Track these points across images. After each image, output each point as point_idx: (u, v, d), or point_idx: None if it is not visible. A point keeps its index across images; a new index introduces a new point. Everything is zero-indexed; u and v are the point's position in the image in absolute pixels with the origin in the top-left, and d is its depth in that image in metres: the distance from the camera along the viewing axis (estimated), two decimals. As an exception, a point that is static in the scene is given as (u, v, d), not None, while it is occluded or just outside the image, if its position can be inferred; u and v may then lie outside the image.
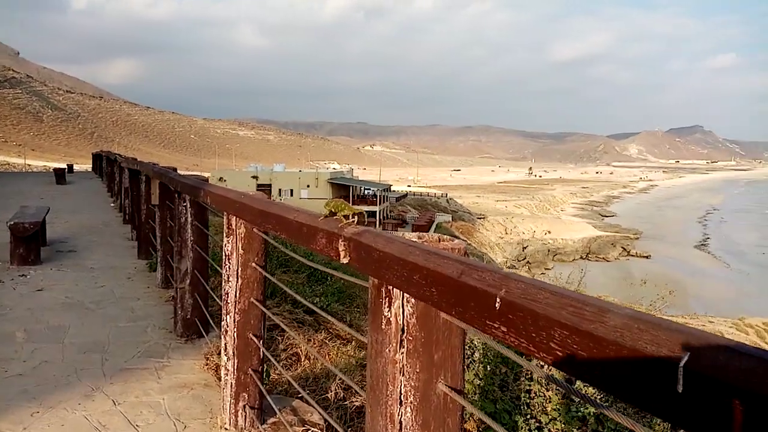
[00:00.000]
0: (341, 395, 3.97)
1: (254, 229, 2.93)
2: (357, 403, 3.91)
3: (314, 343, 5.18)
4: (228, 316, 3.03)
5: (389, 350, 1.40)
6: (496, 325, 0.85)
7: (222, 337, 3.11)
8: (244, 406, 3.05)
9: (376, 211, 61.60)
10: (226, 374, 3.06)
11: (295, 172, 70.31)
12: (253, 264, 2.98)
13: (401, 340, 1.39)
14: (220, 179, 58.35)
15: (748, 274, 59.01)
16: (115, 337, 4.49)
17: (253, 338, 3.00)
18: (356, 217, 1.63)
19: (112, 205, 13.40)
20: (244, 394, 3.03)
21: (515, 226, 75.91)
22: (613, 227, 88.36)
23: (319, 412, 3.21)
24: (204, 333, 4.47)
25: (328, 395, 3.90)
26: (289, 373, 4.15)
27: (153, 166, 6.58)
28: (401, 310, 1.39)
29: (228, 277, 3.03)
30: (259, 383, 3.02)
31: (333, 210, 1.69)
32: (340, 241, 1.50)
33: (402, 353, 1.39)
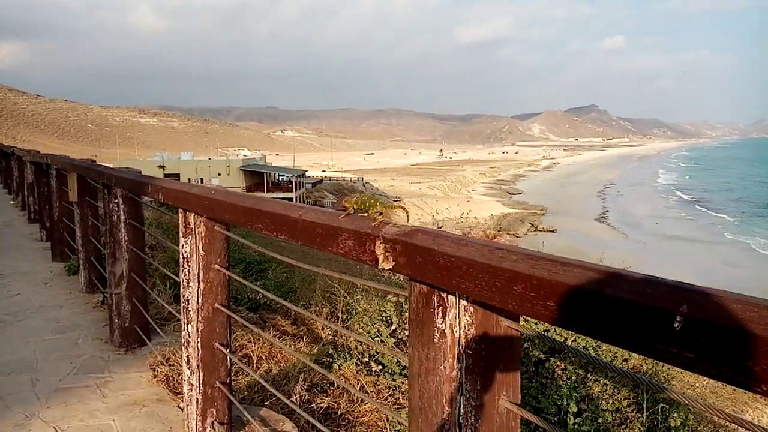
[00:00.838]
0: (306, 397, 3.77)
1: (215, 227, 2.65)
2: (324, 405, 3.73)
3: (264, 343, 4.92)
4: (189, 326, 2.74)
5: (444, 367, 1.24)
6: (674, 350, 0.71)
7: (183, 348, 2.81)
8: (213, 423, 2.78)
9: (292, 198, 60.77)
10: (190, 389, 2.77)
11: (205, 160, 67.76)
12: (216, 266, 2.71)
13: (458, 355, 1.23)
14: (124, 170, 54.88)
15: (644, 243, 63.42)
16: (43, 352, 4.01)
17: (220, 348, 2.73)
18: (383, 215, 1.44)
19: (12, 203, 12.17)
20: (212, 409, 2.76)
21: (430, 208, 77.39)
22: (520, 204, 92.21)
23: (307, 419, 3.01)
24: (146, 341, 4.09)
25: (294, 398, 3.68)
26: (247, 379, 3.89)
27: (70, 159, 5.96)
28: (458, 320, 1.23)
29: (188, 282, 2.74)
30: (229, 396, 2.76)
31: (359, 207, 1.48)
32: (377, 243, 1.31)
33: (460, 369, 1.23)
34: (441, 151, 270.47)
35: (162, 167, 61.52)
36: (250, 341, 4.77)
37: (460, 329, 1.23)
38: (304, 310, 6.13)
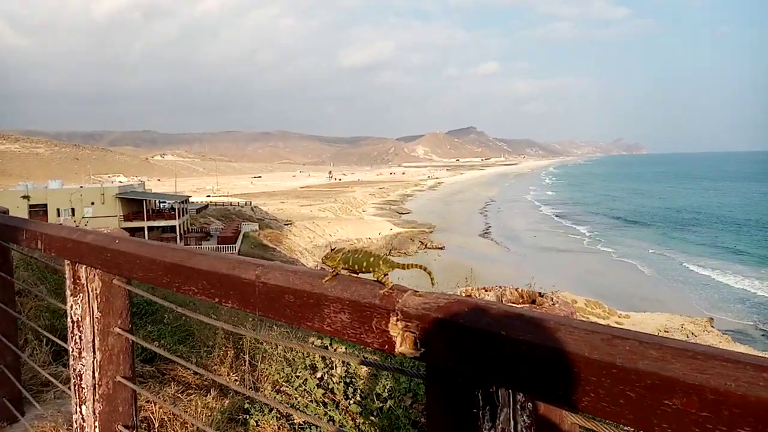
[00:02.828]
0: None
1: (114, 281, 2.13)
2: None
3: (166, 399, 4.28)
4: (84, 406, 2.17)
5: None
6: None
7: (75, 436, 2.23)
8: None
9: (175, 225, 57.59)
10: (87, 486, 2.19)
11: (76, 189, 62.44)
12: (117, 329, 2.18)
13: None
14: (-20, 201, 49.23)
15: (525, 255, 67.18)
16: None
17: (124, 431, 2.19)
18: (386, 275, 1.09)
19: None
20: None
21: (323, 230, 76.81)
22: (410, 223, 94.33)
23: None
24: (19, 416, 3.35)
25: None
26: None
27: None
28: (511, 423, 0.89)
29: (79, 352, 2.17)
30: (139, 491, 2.21)
31: (351, 266, 1.11)
32: (392, 320, 0.95)
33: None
34: (330, 172, 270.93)
35: (27, 197, 55.84)
36: (148, 401, 4.12)
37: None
38: (206, 357, 5.51)
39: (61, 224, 2.34)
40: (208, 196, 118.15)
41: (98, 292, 2.13)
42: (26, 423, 3.26)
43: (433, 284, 1.11)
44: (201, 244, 54.41)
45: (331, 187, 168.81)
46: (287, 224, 76.90)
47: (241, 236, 59.00)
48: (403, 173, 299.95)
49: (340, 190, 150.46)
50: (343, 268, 1.12)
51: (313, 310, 1.09)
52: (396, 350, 0.94)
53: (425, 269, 1.13)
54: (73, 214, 52.91)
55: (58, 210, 55.02)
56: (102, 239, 1.89)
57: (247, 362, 5.07)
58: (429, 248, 76.46)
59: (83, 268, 2.10)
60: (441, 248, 75.73)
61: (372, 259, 1.12)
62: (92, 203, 57.13)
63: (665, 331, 32.58)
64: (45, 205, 55.70)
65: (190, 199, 75.76)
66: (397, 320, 0.94)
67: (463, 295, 1.06)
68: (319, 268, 1.18)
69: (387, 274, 1.06)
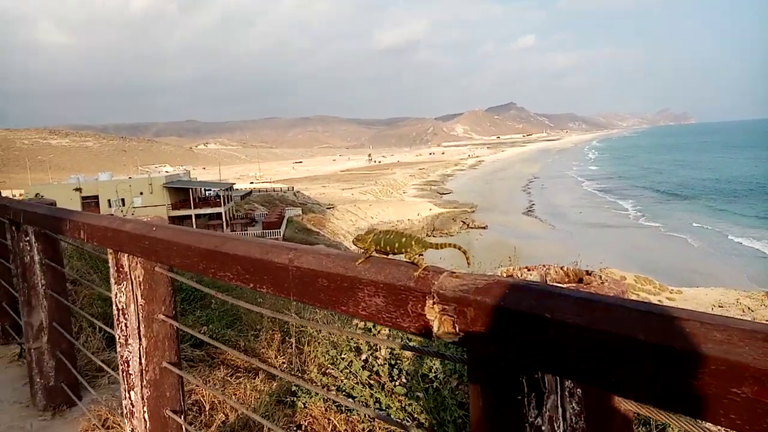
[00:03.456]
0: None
1: (156, 268, 2.15)
2: (295, 456, 3.25)
3: (214, 383, 4.37)
4: (132, 392, 2.22)
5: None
6: None
7: (126, 419, 2.28)
8: (170, 506, 2.26)
9: (221, 212, 58.85)
10: (139, 469, 2.25)
11: (125, 180, 64.45)
12: (161, 316, 2.20)
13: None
14: (37, 195, 51.38)
15: (570, 232, 65.92)
16: (-54, 429, 3.32)
17: (173, 416, 2.22)
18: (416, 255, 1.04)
19: None
20: (167, 491, 2.25)
21: (364, 213, 77.17)
22: (451, 203, 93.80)
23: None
24: (76, 400, 3.47)
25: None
26: (203, 435, 3.35)
27: (-35, 192, 5.15)
28: (559, 410, 0.84)
29: (126, 339, 2.21)
30: (189, 473, 2.25)
31: (383, 247, 1.07)
32: (428, 303, 0.90)
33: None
34: (370, 155, 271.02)
35: (78, 190, 57.98)
36: (198, 385, 4.21)
37: (563, 423, 0.84)
38: (254, 341, 5.60)
39: (101, 214, 2.38)
40: (252, 182, 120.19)
41: (141, 279, 2.16)
42: (83, 407, 3.38)
43: (468, 264, 1.06)
44: (246, 230, 55.53)
45: (371, 170, 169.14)
46: (329, 208, 77.57)
47: (285, 221, 59.91)
48: (443, 153, 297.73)
49: (380, 173, 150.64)
50: (375, 250, 1.08)
51: (347, 293, 1.05)
52: (433, 334, 0.89)
53: (460, 248, 1.08)
54: (124, 204, 54.69)
55: (109, 201, 56.93)
56: (140, 227, 1.90)
57: (293, 345, 5.13)
58: (471, 228, 75.93)
59: (125, 256, 2.13)
60: (483, 227, 75.11)
61: (404, 239, 1.07)
62: (141, 193, 58.87)
63: (720, 306, 31.51)
64: (96, 197, 57.74)
65: (234, 186, 77.27)
66: (434, 303, 0.89)
67: (504, 275, 1.00)
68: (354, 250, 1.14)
69: (421, 255, 1.02)
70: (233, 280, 1.39)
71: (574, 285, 0.93)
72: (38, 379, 3.49)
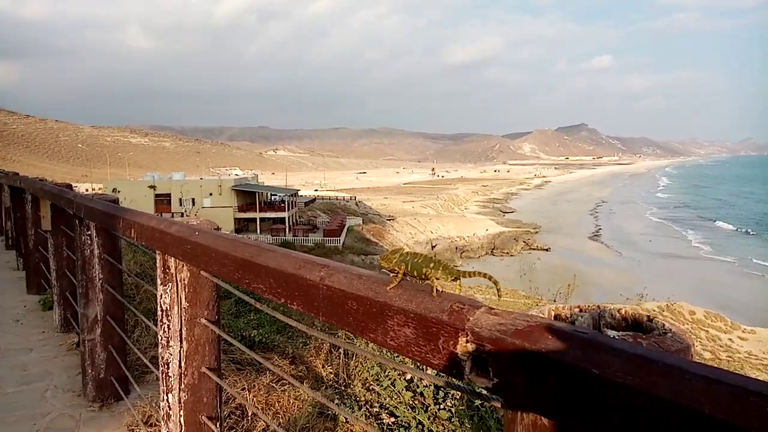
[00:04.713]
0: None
1: (202, 273, 2.14)
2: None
3: (259, 389, 4.37)
4: (170, 395, 2.21)
5: None
6: None
7: (163, 422, 2.28)
8: None
9: (285, 218, 60.10)
10: (171, 474, 2.23)
11: (196, 180, 67.01)
12: (204, 320, 2.19)
13: None
14: (114, 190, 54.33)
15: (638, 260, 63.28)
16: (2, 410, 3.44)
17: (208, 423, 2.20)
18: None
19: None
20: (198, 498, 2.22)
21: (424, 226, 77.00)
22: (514, 222, 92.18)
23: None
24: (123, 395, 3.54)
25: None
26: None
27: (41, 184, 5.43)
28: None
29: (167, 341, 2.21)
30: (219, 483, 2.22)
31: (411, 270, 1.00)
32: (461, 340, 0.81)
33: None
34: (433, 169, 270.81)
35: (153, 187, 60.72)
36: (244, 388, 4.23)
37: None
38: (303, 347, 5.58)
39: (152, 214, 2.41)
40: (316, 190, 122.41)
41: (186, 282, 2.15)
42: (128, 402, 3.44)
43: (499, 297, 0.97)
44: (308, 236, 56.51)
45: (434, 184, 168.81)
46: (389, 219, 77.86)
47: (345, 230, 60.56)
48: (508, 171, 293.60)
49: (442, 187, 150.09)
50: (405, 271, 1.01)
51: (377, 320, 0.97)
52: (464, 377, 0.79)
53: (491, 278, 0.99)
54: (194, 204, 56.87)
55: (180, 199, 59.25)
56: (184, 231, 1.89)
57: (341, 357, 5.08)
58: (533, 249, 74.26)
59: (171, 258, 2.13)
60: (546, 250, 73.28)
61: (432, 264, 1.01)
62: (210, 194, 60.94)
63: (800, 352, 29.24)
64: (169, 195, 60.22)
65: (299, 193, 78.94)
66: (467, 341, 0.79)
67: (552, 315, 0.89)
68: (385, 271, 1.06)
69: (439, 279, 0.94)
70: (266, 293, 1.34)
71: (631, 334, 0.81)
72: (90, 371, 3.58)
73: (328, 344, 5.29)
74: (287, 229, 58.40)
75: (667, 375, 0.59)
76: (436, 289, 0.93)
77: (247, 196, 63.13)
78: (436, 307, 0.87)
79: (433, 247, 68.90)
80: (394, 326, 0.93)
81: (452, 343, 0.82)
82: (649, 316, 0.89)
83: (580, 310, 0.92)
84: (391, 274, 1.05)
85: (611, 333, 0.82)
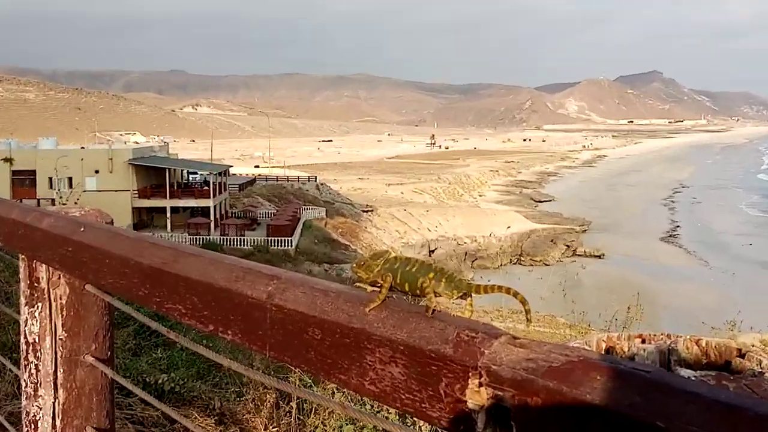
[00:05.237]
0: None
1: (88, 287, 2.15)
2: None
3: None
4: (39, 468, 2.22)
5: None
6: None
7: None
8: None
9: (209, 207, 59.87)
10: None
11: (75, 150, 66.49)
12: (90, 358, 2.20)
13: None
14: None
15: (732, 273, 64.17)
16: None
17: (97, 508, 2.21)
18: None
19: None
20: None
21: (418, 221, 77.25)
22: (551, 216, 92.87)
23: None
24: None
25: None
26: None
27: None
28: None
29: (35, 388, 2.22)
30: None
31: (402, 283, 1.04)
32: (474, 383, 0.84)
33: None
34: (433, 137, 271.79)
35: (8, 161, 59.98)
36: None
37: None
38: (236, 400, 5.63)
39: (9, 200, 2.40)
40: (257, 166, 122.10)
41: (64, 302, 2.16)
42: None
43: (528, 323, 1.00)
44: (243, 234, 56.41)
45: (434, 159, 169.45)
46: (367, 211, 78.02)
47: (300, 226, 60.54)
48: (544, 140, 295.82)
49: (446, 164, 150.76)
50: (391, 283, 1.04)
51: (350, 355, 1.00)
52: (476, 436, 0.82)
53: (516, 294, 1.03)
54: (71, 186, 56.31)
55: (50, 179, 58.51)
56: (62, 225, 1.90)
57: (294, 412, 5.12)
58: (579, 255, 74.95)
59: (43, 267, 2.14)
60: (598, 256, 74.04)
61: (432, 275, 1.04)
62: (97, 171, 60.37)
63: None
64: (33, 172, 59.46)
65: (231, 171, 78.60)
66: (480, 385, 0.82)
67: (602, 347, 0.93)
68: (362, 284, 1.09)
69: (440, 296, 0.98)
70: (185, 318, 1.35)
71: (713, 374, 0.86)
72: None
73: (275, 393, 5.33)
74: (212, 225, 58.23)
75: (757, 428, 0.63)
76: (437, 311, 0.96)
77: (153, 174, 62.75)
78: (436, 337, 0.90)
79: (431, 252, 69.21)
80: (376, 364, 0.96)
81: (459, 387, 0.85)
82: (740, 350, 0.93)
83: (643, 341, 0.96)
84: (371, 289, 1.08)
85: (686, 372, 0.86)
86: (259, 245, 53.55)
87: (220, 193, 63.97)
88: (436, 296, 1.01)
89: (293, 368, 5.03)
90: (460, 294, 1.02)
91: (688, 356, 0.93)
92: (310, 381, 4.84)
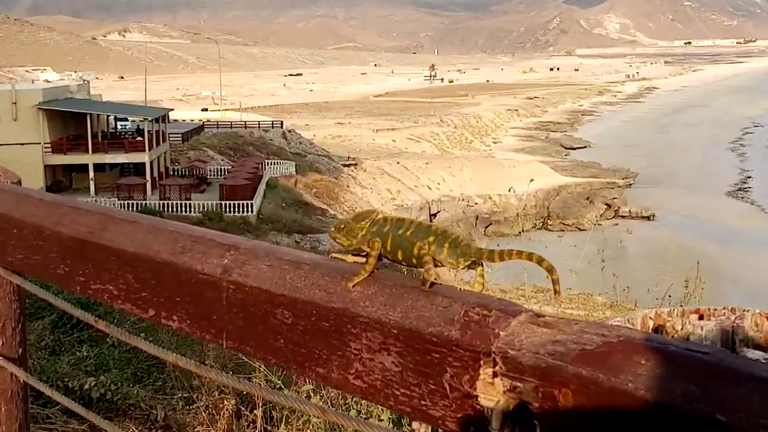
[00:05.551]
0: None
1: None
2: None
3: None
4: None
5: None
6: None
7: None
8: None
9: (144, 163, 59.62)
10: None
11: (-34, 91, 65.93)
12: (-3, 358, 2.22)
13: None
14: None
15: (818, 239, 64.69)
16: None
17: None
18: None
19: None
20: None
21: (415, 177, 77.35)
22: (586, 168, 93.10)
23: None
24: None
25: None
26: None
27: None
28: None
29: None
30: None
31: (393, 251, 1.06)
32: (486, 373, 0.86)
33: None
34: (432, 68, 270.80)
35: None
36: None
37: None
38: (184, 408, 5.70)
39: None
40: (205, 109, 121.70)
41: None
42: None
43: (556, 294, 1.02)
44: (189, 198, 56.25)
45: (434, 96, 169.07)
46: (349, 165, 77.99)
47: (262, 186, 60.37)
48: (576, 69, 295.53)
49: (450, 102, 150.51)
50: (371, 255, 1.05)
51: (329, 341, 1.02)
52: (490, 436, 0.85)
53: (541, 261, 1.04)
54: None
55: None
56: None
57: (259, 420, 5.17)
58: (623, 216, 75.29)
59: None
60: (647, 218, 74.41)
61: (431, 238, 1.05)
62: (-4, 118, 59.97)
63: None
64: None
65: (172, 116, 78.25)
66: (495, 374, 0.84)
67: (649, 325, 0.95)
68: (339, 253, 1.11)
69: (442, 265, 1.00)
70: (118, 301, 1.37)
71: (787, 355, 0.88)
72: None
73: (235, 398, 5.38)
74: (149, 186, 58.08)
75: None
76: (438, 284, 0.97)
77: (70, 122, 62.46)
78: (438, 316, 0.92)
79: (432, 216, 69.38)
80: (363, 352, 0.98)
81: (468, 379, 0.87)
82: (821, 326, 0.95)
83: (700, 317, 0.97)
84: (354, 259, 1.09)
85: (754, 354, 0.88)
86: (209, 211, 53.34)
87: (158, 145, 63.79)
88: (437, 266, 1.02)
89: (257, 363, 5.09)
90: (468, 263, 1.03)
91: (757, 335, 0.95)
92: (279, 382, 4.89)
